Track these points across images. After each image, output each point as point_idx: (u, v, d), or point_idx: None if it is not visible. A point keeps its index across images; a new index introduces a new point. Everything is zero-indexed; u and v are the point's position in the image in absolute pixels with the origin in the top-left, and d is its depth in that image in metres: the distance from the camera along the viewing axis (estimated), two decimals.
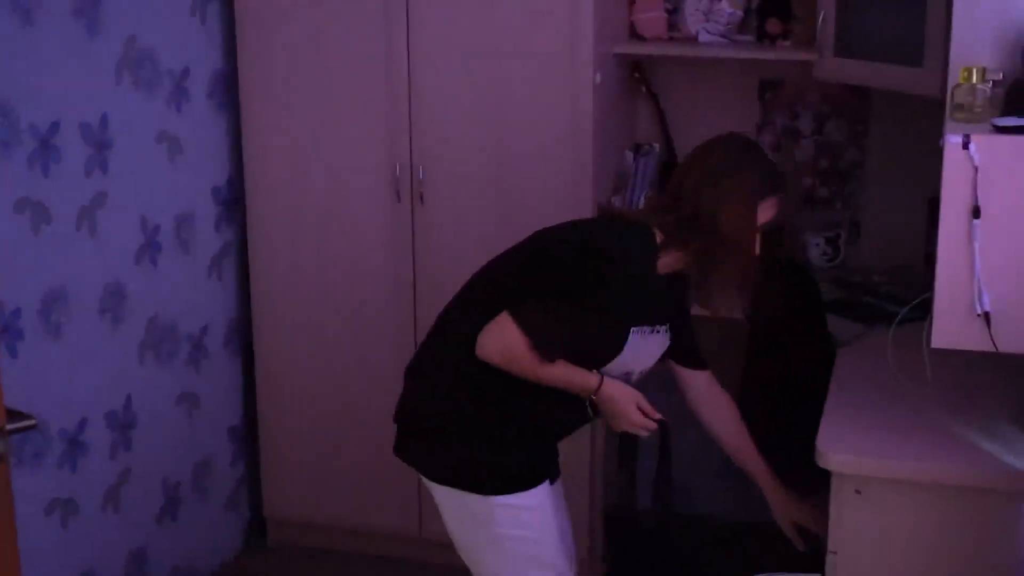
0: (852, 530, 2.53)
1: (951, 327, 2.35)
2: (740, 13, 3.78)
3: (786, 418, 3.37)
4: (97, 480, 3.30)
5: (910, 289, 3.50)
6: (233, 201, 3.80)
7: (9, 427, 1.86)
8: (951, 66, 2.42)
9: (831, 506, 2.54)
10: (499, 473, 2.60)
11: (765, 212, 2.54)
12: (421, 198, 3.59)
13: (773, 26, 3.72)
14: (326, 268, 3.74)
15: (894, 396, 2.76)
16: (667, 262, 2.56)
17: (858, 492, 2.51)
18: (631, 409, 2.55)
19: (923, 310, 2.83)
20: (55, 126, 3.02)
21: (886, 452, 2.53)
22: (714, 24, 3.77)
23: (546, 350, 2.48)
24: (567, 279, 2.49)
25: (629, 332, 2.55)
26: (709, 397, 2.83)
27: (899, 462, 2.50)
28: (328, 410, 3.84)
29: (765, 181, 2.53)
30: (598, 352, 2.55)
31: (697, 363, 2.82)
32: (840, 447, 2.53)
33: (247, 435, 3.98)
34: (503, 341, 2.49)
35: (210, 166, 3.69)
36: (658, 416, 2.56)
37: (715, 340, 3.41)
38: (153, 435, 3.50)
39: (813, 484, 2.80)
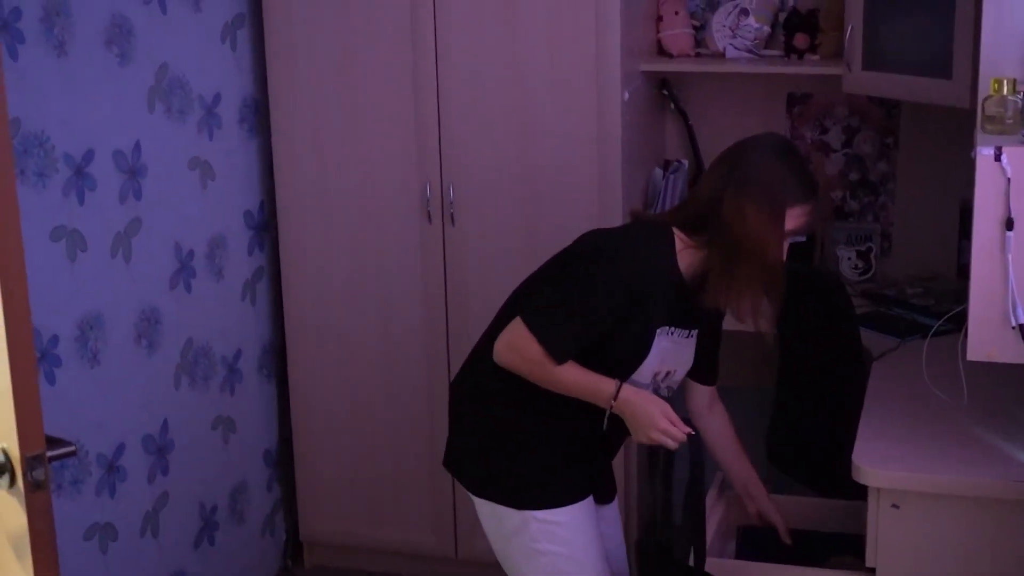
0: (890, 545, 2.52)
1: (986, 340, 2.34)
2: (767, 28, 3.78)
3: (820, 432, 3.36)
4: (135, 505, 3.32)
5: (942, 301, 3.50)
6: (265, 225, 3.83)
7: (50, 454, 1.87)
8: (981, 77, 2.42)
9: (868, 521, 2.54)
10: (534, 488, 2.61)
11: (794, 219, 2.46)
12: (452, 219, 3.60)
13: (800, 41, 3.72)
14: (358, 290, 3.76)
15: (930, 409, 2.75)
16: (689, 263, 2.51)
17: (895, 506, 2.50)
18: (655, 413, 2.45)
19: (957, 322, 2.82)
20: (89, 154, 3.05)
21: (923, 466, 2.52)
22: (741, 40, 3.78)
23: (556, 350, 2.45)
24: (580, 282, 2.47)
25: (654, 334, 2.51)
26: (710, 409, 2.81)
27: (936, 476, 2.49)
28: (362, 432, 3.85)
29: (795, 187, 2.46)
30: (624, 356, 2.52)
31: (710, 378, 2.79)
32: (877, 462, 2.52)
33: (282, 458, 4.00)
34: (514, 344, 2.49)
35: (242, 191, 3.72)
36: (687, 429, 2.47)
37: (749, 354, 3.41)
38: (189, 459, 3.52)
39: (848, 496, 2.79)
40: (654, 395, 2.53)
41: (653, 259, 2.49)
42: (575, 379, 2.49)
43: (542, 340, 2.45)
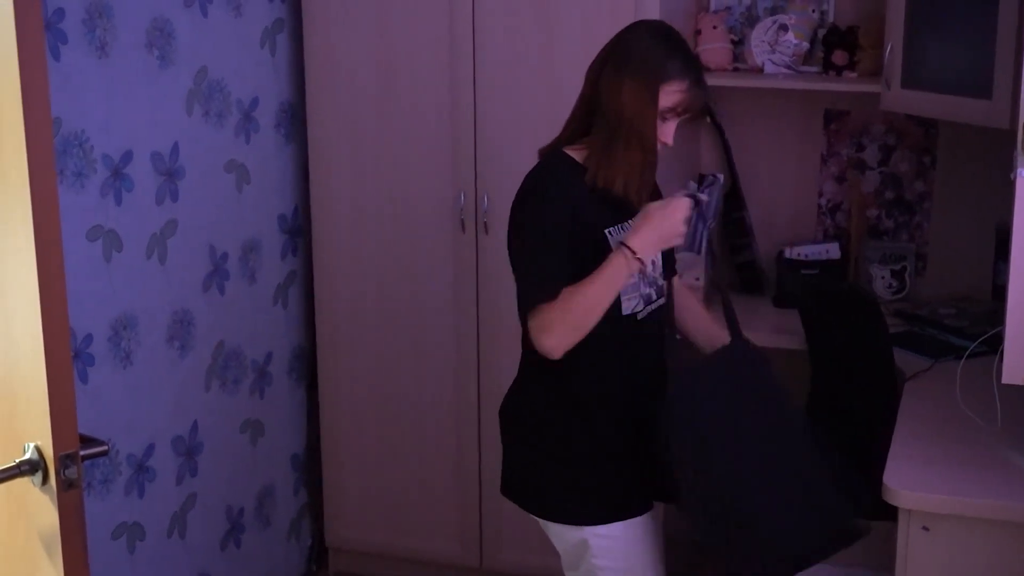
0: (919, 567, 2.50)
1: (1022, 363, 2.32)
2: (806, 44, 3.77)
3: (851, 451, 3.34)
4: (163, 506, 3.33)
5: (976, 322, 3.47)
6: (299, 230, 3.84)
7: (82, 453, 1.88)
8: (1022, 98, 2.40)
9: (898, 543, 2.52)
10: (589, 504, 2.61)
11: (668, 96, 2.49)
12: (486, 228, 3.60)
13: (839, 57, 3.70)
14: (390, 297, 3.76)
15: (962, 432, 2.72)
16: (588, 158, 2.55)
17: (926, 529, 2.48)
18: (662, 213, 2.47)
19: (990, 344, 2.81)
20: (127, 155, 3.07)
21: (954, 489, 2.50)
22: (780, 55, 3.76)
23: (547, 294, 2.44)
24: (528, 233, 2.51)
25: (607, 237, 2.54)
26: (678, 295, 2.77)
27: (967, 499, 2.47)
28: (390, 439, 3.86)
29: (669, 64, 2.49)
30: (597, 266, 2.51)
31: (668, 272, 2.76)
32: (907, 483, 2.50)
33: (309, 463, 4.01)
34: (538, 328, 2.46)
35: (277, 195, 3.74)
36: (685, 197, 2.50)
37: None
38: (218, 461, 3.54)
39: (878, 517, 2.77)
40: (643, 214, 2.50)
41: (559, 175, 2.54)
42: (589, 289, 2.45)
43: (538, 301, 2.45)
